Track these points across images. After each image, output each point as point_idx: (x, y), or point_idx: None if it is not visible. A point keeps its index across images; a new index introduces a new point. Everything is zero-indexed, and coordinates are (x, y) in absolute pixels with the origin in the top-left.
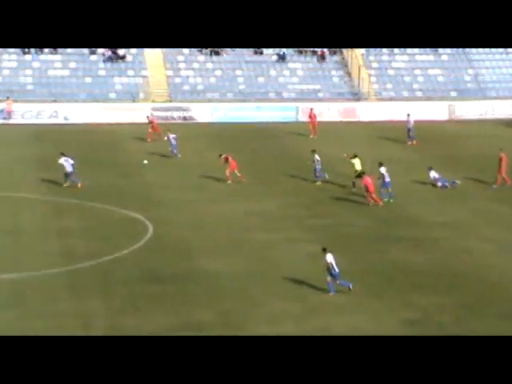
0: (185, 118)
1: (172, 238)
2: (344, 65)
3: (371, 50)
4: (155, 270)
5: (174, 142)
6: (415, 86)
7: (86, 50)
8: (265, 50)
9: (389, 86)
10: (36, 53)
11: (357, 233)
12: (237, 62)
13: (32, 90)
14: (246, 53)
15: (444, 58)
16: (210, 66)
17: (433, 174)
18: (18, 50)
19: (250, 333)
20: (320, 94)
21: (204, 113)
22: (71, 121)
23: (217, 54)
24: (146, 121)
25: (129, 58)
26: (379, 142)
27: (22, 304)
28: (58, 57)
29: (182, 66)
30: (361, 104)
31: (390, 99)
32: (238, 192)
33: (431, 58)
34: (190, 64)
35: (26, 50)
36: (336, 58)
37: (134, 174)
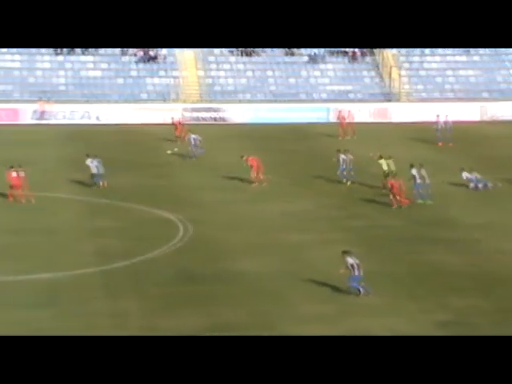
0: (216, 119)
1: (205, 238)
2: (375, 65)
3: (403, 50)
4: (189, 271)
5: (193, 142)
6: (447, 86)
7: (117, 51)
8: (296, 51)
9: (420, 86)
10: (69, 53)
11: (390, 234)
12: (268, 62)
13: (65, 90)
14: (278, 54)
15: (476, 58)
16: (241, 66)
17: (465, 175)
18: (51, 51)
19: (282, 334)
20: (351, 95)
21: (235, 113)
22: (103, 121)
23: (248, 54)
24: (172, 122)
25: (160, 58)
26: (411, 143)
27: (56, 304)
28: (90, 58)
29: (213, 66)
30: (392, 105)
31: (422, 100)
32: (271, 193)
33: (463, 58)
34: (222, 65)
35: (59, 50)
36: (367, 58)
37: (166, 174)
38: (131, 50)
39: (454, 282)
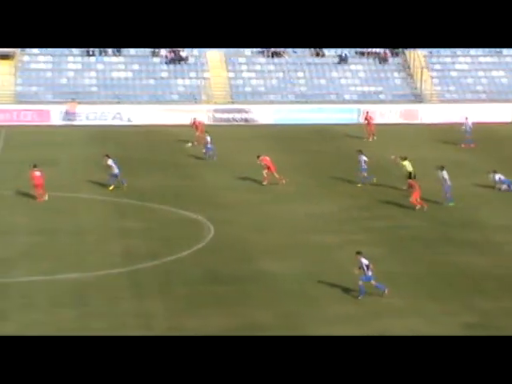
0: (246, 120)
1: (232, 239)
2: (406, 66)
3: (434, 51)
4: (215, 271)
5: (209, 142)
6: (478, 87)
7: (148, 52)
8: (326, 52)
9: (451, 87)
10: (100, 54)
11: (416, 235)
12: (298, 63)
13: (96, 91)
14: (307, 55)
15: (508, 59)
16: (271, 67)
17: (498, 177)
18: (82, 52)
19: (308, 334)
20: (381, 96)
21: (265, 114)
22: (134, 122)
23: (278, 55)
24: (192, 123)
25: (191, 59)
26: (441, 145)
27: (83, 303)
28: (121, 59)
29: (243, 67)
30: (422, 106)
31: (453, 101)
32: (298, 194)
33: (495, 59)
34: (251, 66)
35: (90, 51)
36: (398, 59)
37: (194, 175)
38: (162, 52)
39: (480, 284)
